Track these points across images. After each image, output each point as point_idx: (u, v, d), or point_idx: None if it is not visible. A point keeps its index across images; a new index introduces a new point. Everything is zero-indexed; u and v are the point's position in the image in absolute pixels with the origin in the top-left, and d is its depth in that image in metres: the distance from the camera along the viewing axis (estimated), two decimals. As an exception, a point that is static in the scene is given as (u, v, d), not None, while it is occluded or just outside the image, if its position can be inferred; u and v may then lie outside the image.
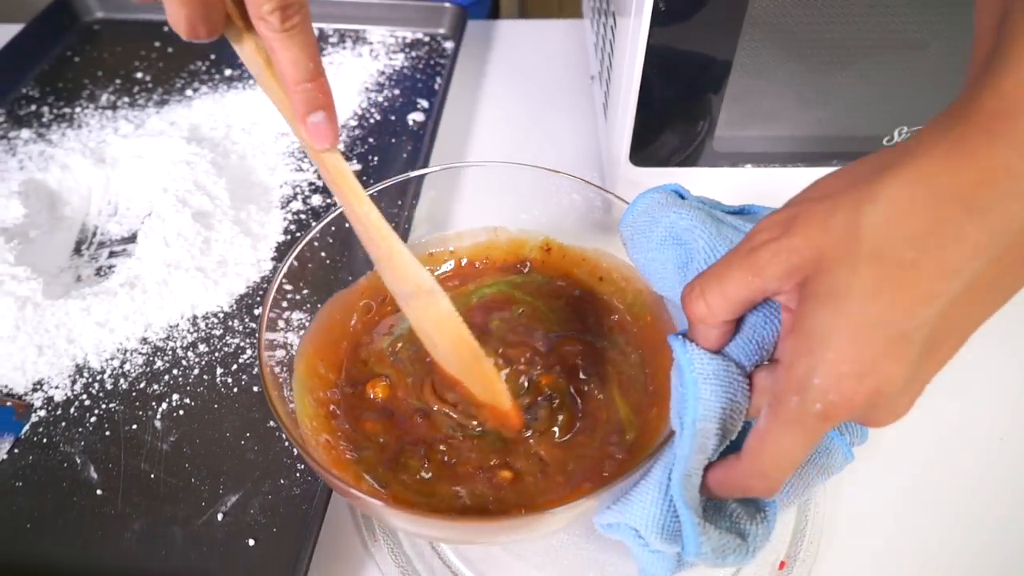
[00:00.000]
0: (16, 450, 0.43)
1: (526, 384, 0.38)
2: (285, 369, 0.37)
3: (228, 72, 0.71)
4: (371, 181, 0.49)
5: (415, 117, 0.65)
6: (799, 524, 0.40)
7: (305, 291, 0.40)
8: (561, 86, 0.69)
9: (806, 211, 0.25)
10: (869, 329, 0.23)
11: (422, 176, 0.45)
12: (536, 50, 0.74)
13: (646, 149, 0.47)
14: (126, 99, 0.68)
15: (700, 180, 0.50)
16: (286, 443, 0.43)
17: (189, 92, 0.69)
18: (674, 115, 0.46)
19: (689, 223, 0.33)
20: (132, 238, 0.54)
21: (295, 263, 0.38)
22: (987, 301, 0.23)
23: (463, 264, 0.46)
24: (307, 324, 0.40)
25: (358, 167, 0.59)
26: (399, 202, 0.46)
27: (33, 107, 0.67)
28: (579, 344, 0.40)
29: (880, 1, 0.42)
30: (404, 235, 0.48)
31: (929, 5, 0.42)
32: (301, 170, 0.60)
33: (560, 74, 0.71)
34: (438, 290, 0.34)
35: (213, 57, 0.73)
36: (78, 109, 0.67)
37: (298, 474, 0.42)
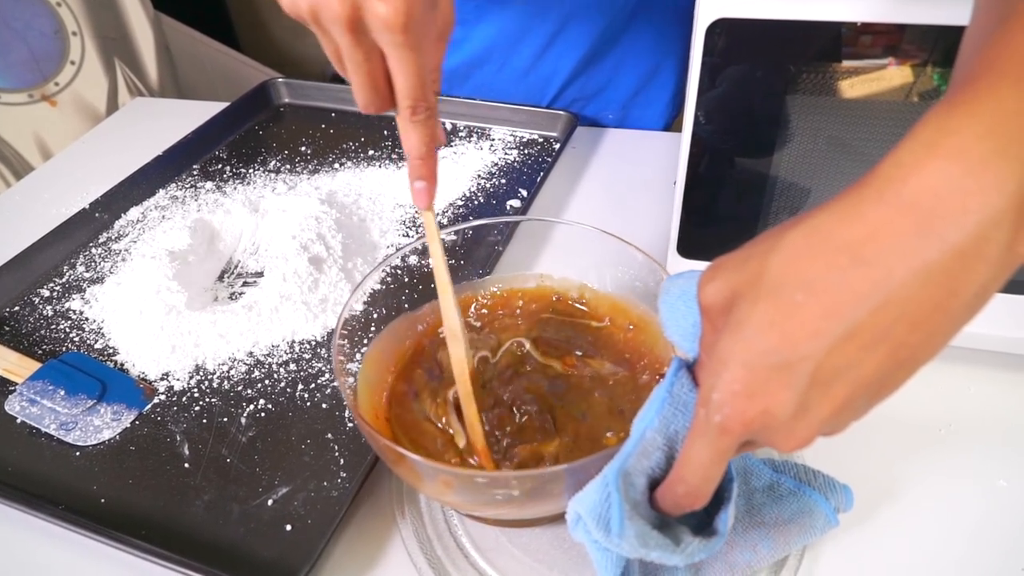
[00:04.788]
0: (136, 422, 0.54)
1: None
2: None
3: (371, 152, 0.84)
4: (462, 252, 0.57)
5: (512, 203, 0.74)
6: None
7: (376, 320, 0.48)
8: (649, 189, 0.75)
9: (731, 258, 0.29)
10: (760, 356, 0.26)
11: (507, 223, 0.57)
12: (636, 157, 0.82)
13: (691, 243, 0.52)
14: (288, 166, 0.83)
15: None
16: (335, 453, 0.50)
17: (337, 165, 0.83)
18: (717, 216, 0.51)
19: None
20: (261, 273, 0.66)
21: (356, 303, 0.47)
22: (880, 351, 0.25)
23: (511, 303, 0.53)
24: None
25: (454, 237, 0.68)
26: (491, 244, 0.56)
27: (219, 166, 0.84)
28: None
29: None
30: (491, 269, 0.58)
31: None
32: (407, 236, 0.70)
33: (651, 178, 0.77)
34: (459, 337, 0.42)
35: (362, 140, 0.87)
36: (251, 170, 0.83)
37: (338, 480, 0.49)
